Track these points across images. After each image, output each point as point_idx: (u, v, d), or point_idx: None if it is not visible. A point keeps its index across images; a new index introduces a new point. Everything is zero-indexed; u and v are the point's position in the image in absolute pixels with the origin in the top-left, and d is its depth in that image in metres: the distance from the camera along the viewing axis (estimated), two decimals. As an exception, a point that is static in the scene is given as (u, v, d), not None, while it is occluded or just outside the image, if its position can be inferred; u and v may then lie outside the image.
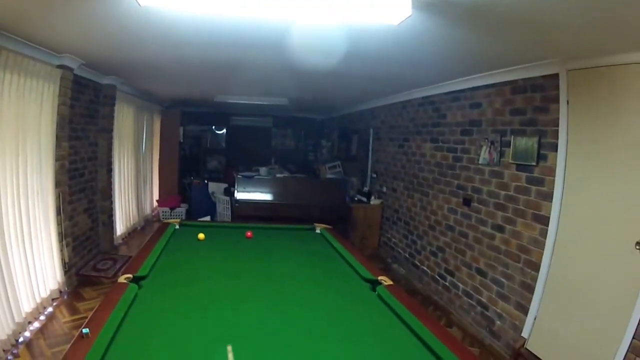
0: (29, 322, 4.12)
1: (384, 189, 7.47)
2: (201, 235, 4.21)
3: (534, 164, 3.95)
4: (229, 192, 8.69)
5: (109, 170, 6.68)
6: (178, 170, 10.46)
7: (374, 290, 3.11)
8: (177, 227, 4.56)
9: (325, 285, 3.29)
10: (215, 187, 9.42)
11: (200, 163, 12.13)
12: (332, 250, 4.13)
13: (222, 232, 4.67)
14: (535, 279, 3.84)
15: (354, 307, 2.86)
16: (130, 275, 2.93)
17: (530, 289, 3.89)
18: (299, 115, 12.51)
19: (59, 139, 4.87)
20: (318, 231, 4.78)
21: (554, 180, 3.72)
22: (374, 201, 7.60)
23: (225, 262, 3.69)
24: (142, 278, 2.99)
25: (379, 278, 3.26)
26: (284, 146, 13.05)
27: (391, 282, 3.20)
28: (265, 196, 7.46)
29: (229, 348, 1.64)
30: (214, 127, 12.59)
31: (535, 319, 3.81)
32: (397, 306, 2.75)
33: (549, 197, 3.77)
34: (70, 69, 4.89)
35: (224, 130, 12.70)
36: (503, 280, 4.27)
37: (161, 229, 4.41)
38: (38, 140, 4.51)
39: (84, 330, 2.03)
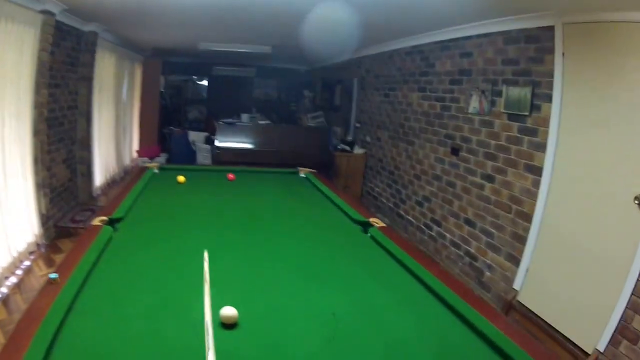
0: (6, 277, 3.81)
1: (368, 139, 7.19)
2: (181, 178, 3.84)
3: (526, 113, 3.74)
4: (210, 141, 8.34)
5: (89, 120, 6.29)
6: (158, 120, 10.04)
7: (365, 232, 2.83)
8: (156, 171, 4.18)
9: (313, 226, 2.99)
10: (196, 136, 9.07)
11: (181, 113, 11.65)
12: (318, 193, 3.82)
13: (203, 175, 4.34)
14: (527, 230, 3.65)
15: (346, 248, 2.58)
16: (105, 218, 2.60)
17: (522, 240, 3.69)
18: (281, 65, 12.00)
19: (38, 86, 4.50)
20: (302, 175, 4.45)
21: (547, 131, 3.53)
22: (357, 150, 7.32)
23: (207, 203, 3.38)
24: (118, 220, 2.67)
25: (371, 220, 2.97)
26: (266, 96, 12.55)
27: (383, 224, 2.91)
28: (247, 143, 7.09)
29: (206, 255, 1.36)
30: (195, 77, 12.10)
31: (527, 270, 3.63)
32: (392, 247, 2.47)
33: (542, 147, 3.58)
34: (52, 14, 4.51)
35: (206, 81, 12.20)
36: (493, 230, 4.07)
37: (139, 174, 4.04)
38: (17, 87, 4.16)
39: (52, 275, 1.73)
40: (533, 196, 3.63)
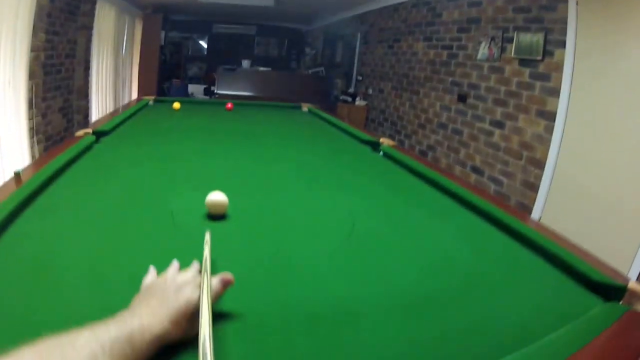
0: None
1: (370, 91, 6.85)
2: (176, 105, 3.48)
3: (539, 58, 3.46)
4: (209, 92, 7.99)
5: (87, 69, 5.93)
6: (158, 74, 9.62)
7: (375, 151, 2.48)
8: (151, 103, 3.75)
9: (321, 146, 2.63)
10: (195, 88, 8.75)
11: (181, 69, 11.25)
12: (323, 122, 3.44)
13: (201, 106, 3.99)
14: (539, 178, 3.39)
15: (359, 163, 2.24)
16: (89, 130, 2.21)
17: (534, 188, 3.43)
18: (283, 24, 11.59)
19: (35, 29, 4.16)
20: (305, 110, 4.01)
21: (561, 76, 3.26)
22: (359, 102, 7.00)
23: (203, 124, 3.02)
24: (104, 134, 2.28)
25: (381, 140, 2.59)
26: (266, 54, 12.13)
27: (394, 143, 2.55)
28: (246, 90, 6.71)
29: (207, 237, 0.99)
30: (195, 35, 11.66)
31: (539, 220, 3.39)
32: (408, 160, 2.11)
33: (555, 92, 3.31)
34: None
35: (206, 38, 11.77)
36: (502, 178, 3.80)
37: (132, 103, 3.66)
38: (14, 29, 3.83)
39: (15, 170, 1.41)
40: (546, 142, 3.36)
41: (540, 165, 3.39)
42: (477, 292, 0.99)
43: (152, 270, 0.81)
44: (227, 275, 0.78)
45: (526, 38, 3.60)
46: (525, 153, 3.56)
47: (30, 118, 4.27)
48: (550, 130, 3.33)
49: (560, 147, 3.26)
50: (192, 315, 0.69)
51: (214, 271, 0.81)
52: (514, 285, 1.05)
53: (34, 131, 4.32)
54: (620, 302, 0.93)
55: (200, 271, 0.81)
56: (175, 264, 0.82)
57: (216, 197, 1.24)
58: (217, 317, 0.77)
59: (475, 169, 4.17)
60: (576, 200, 3.11)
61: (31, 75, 4.23)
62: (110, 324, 0.58)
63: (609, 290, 0.97)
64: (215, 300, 0.76)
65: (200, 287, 0.74)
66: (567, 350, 0.72)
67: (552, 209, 3.28)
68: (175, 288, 0.72)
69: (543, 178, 3.35)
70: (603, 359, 0.76)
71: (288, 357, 0.71)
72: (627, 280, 0.99)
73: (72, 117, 5.75)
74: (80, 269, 0.92)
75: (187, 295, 0.71)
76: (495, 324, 0.85)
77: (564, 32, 3.26)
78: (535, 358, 0.71)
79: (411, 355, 0.73)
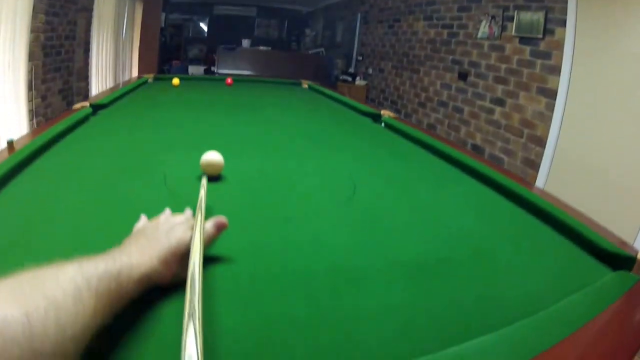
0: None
1: (370, 71, 6.79)
2: (175, 80, 3.40)
3: (540, 36, 3.41)
4: (209, 73, 7.91)
5: (87, 51, 5.84)
6: (158, 56, 9.51)
7: (376, 122, 2.39)
8: (150, 81, 3.60)
9: (321, 116, 2.56)
10: (195, 69, 8.66)
11: (182, 51, 11.14)
12: (324, 97, 3.32)
13: (200, 82, 3.92)
14: (540, 155, 3.36)
15: (359, 132, 2.15)
16: (86, 104, 2.11)
17: (535, 166, 3.40)
18: (283, 6, 11.44)
19: (35, 10, 4.07)
20: (305, 86, 3.84)
21: (561, 54, 3.22)
22: (359, 82, 6.95)
23: (203, 98, 2.96)
24: (102, 107, 2.18)
25: (382, 112, 2.49)
26: (267, 36, 11.99)
27: (396, 116, 2.45)
28: (247, 69, 6.65)
29: (204, 180, 0.96)
30: (196, 17, 11.52)
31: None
32: (411, 131, 2.00)
33: (556, 70, 3.27)
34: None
35: (207, 20, 11.63)
36: (503, 156, 3.77)
37: (132, 80, 3.58)
38: (14, 10, 3.75)
39: (9, 139, 1.35)
40: (546, 120, 3.32)
41: (541, 142, 3.35)
42: (483, 260, 0.95)
43: (143, 217, 0.79)
44: (221, 218, 0.76)
45: (527, 16, 3.56)
46: (526, 130, 3.52)
47: (30, 100, 4.20)
48: (551, 107, 3.29)
49: (561, 124, 3.22)
50: (182, 256, 0.66)
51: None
52: (521, 252, 1.01)
53: (33, 113, 4.26)
54: (630, 272, 0.90)
55: (193, 216, 0.79)
56: (167, 210, 0.80)
57: (211, 156, 1.19)
58: (208, 261, 0.76)
59: (475, 147, 4.13)
60: (577, 177, 3.09)
61: (31, 57, 4.15)
62: (98, 260, 0.55)
63: (618, 260, 0.94)
64: (208, 243, 0.74)
65: (193, 228, 0.72)
66: (579, 319, 0.69)
67: (553, 187, 3.25)
68: (168, 228, 0.70)
69: (544, 156, 3.32)
70: (616, 327, 0.73)
71: (282, 312, 0.68)
72: (636, 251, 0.96)
73: (72, 99, 5.68)
74: (66, 231, 0.90)
75: (178, 235, 0.69)
76: (502, 293, 0.82)
77: (564, 10, 3.21)
78: (545, 327, 0.68)
79: (414, 324, 0.69)
